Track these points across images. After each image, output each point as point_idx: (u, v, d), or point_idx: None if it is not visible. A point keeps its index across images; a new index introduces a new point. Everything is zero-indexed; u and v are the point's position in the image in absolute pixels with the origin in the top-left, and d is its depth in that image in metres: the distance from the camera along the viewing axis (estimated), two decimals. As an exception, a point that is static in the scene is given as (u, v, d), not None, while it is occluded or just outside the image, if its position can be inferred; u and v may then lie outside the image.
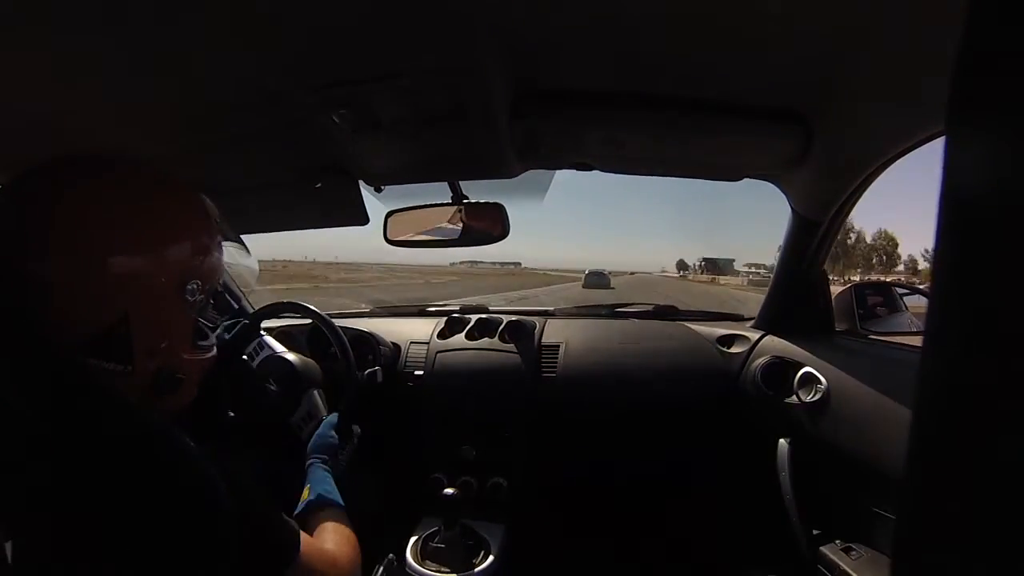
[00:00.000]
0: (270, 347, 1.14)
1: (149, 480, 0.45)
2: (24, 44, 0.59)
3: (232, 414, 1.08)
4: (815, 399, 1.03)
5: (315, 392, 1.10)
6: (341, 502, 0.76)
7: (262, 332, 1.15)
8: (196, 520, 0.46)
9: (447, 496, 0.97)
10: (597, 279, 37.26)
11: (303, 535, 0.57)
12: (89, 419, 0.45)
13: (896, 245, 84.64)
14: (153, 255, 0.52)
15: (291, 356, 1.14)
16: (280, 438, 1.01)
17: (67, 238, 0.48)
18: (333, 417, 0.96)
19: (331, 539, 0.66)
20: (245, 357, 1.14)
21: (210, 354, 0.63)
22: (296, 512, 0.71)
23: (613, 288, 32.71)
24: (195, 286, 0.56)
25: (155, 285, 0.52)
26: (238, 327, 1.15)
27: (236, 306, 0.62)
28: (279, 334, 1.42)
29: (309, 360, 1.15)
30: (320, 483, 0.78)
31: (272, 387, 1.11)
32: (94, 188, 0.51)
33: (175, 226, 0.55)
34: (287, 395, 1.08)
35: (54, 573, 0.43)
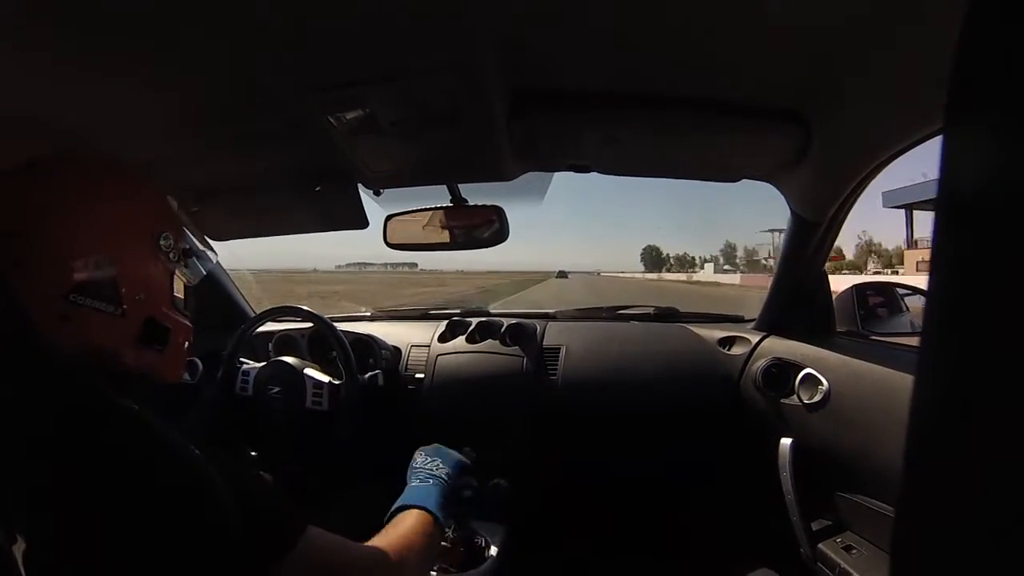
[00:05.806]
0: (249, 367, 1.18)
1: (148, 479, 0.45)
2: (24, 44, 0.59)
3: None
4: (816, 400, 1.03)
5: (306, 370, 1.13)
6: (429, 507, 0.70)
7: (241, 361, 1.19)
8: (197, 517, 0.46)
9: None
10: (562, 274, 75.47)
11: (321, 533, 0.54)
12: (88, 419, 0.45)
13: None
14: (131, 206, 0.57)
15: (271, 361, 1.18)
16: (320, 434, 1.02)
17: (50, 199, 0.52)
18: (446, 455, 0.84)
19: (380, 539, 0.62)
20: (242, 391, 1.18)
21: (188, 323, 0.67)
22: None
23: (568, 279, 62.88)
24: (168, 239, 0.60)
25: (135, 230, 0.57)
26: (225, 360, 1.18)
27: (204, 272, 0.65)
28: (280, 338, 1.42)
29: (285, 356, 1.18)
30: (410, 492, 0.74)
31: (275, 392, 1.12)
32: (70, 168, 0.56)
33: (145, 185, 0.61)
34: (290, 390, 1.10)
35: (61, 574, 0.43)
